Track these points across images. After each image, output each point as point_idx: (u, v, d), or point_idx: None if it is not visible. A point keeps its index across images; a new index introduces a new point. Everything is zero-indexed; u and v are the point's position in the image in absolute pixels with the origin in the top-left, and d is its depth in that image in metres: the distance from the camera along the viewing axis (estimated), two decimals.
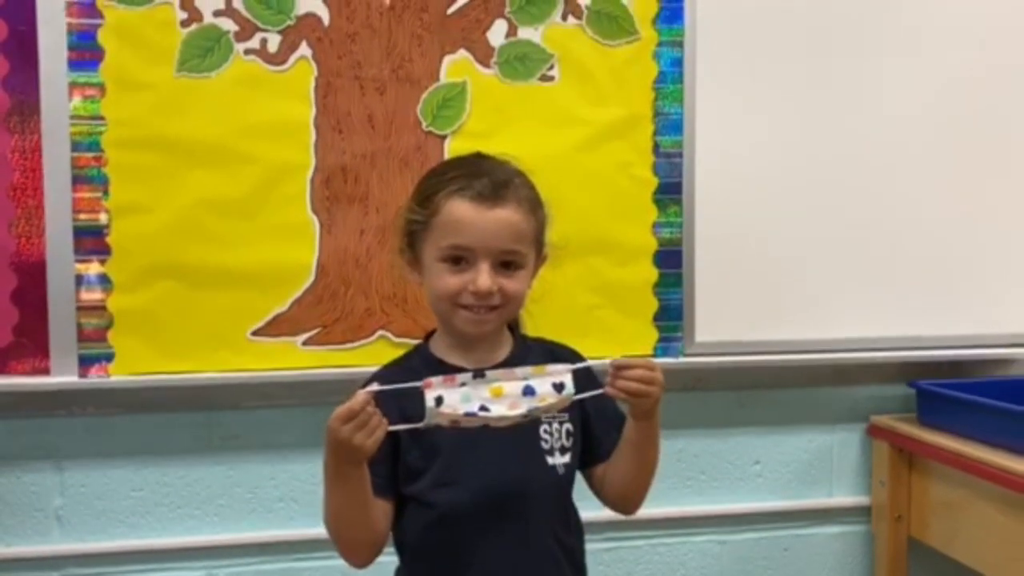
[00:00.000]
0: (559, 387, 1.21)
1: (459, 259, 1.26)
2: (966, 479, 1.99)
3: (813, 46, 2.15)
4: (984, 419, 2.01)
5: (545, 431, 1.32)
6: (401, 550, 1.35)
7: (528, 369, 1.21)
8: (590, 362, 1.29)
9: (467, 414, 1.17)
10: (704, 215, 2.10)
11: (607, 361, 1.24)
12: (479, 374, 1.19)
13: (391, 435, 1.19)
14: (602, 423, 1.38)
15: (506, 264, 1.27)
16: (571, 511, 1.38)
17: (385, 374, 1.30)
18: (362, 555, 1.28)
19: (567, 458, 1.33)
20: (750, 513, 2.27)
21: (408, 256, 1.33)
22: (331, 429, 1.15)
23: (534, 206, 1.30)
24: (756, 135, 2.13)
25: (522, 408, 1.18)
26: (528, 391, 1.19)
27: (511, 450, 1.29)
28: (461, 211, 1.25)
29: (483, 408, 1.17)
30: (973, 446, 1.99)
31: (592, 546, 2.13)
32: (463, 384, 1.17)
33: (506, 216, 1.26)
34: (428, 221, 1.27)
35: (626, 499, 1.40)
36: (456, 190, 1.26)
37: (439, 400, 1.16)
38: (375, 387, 1.16)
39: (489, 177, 1.27)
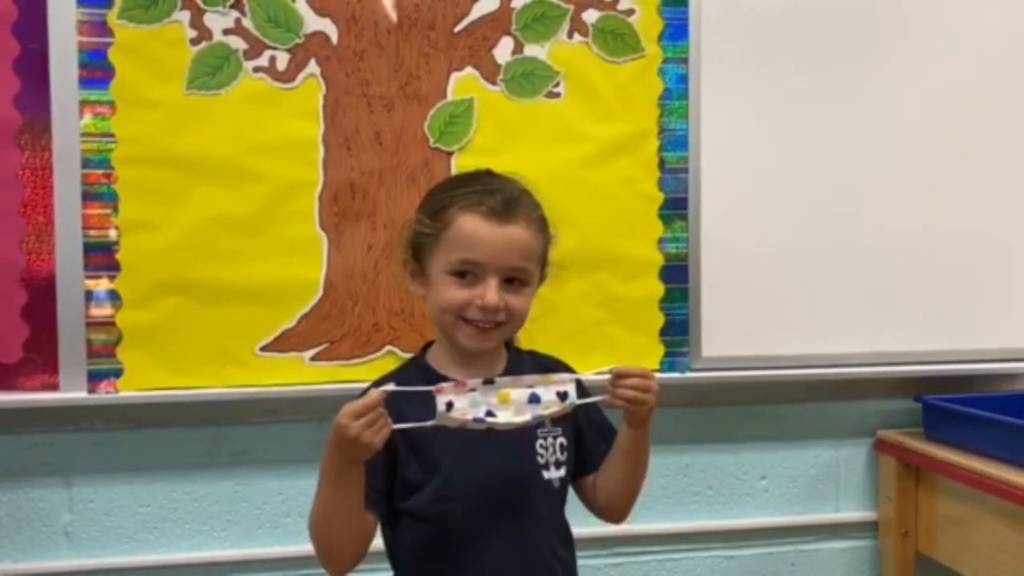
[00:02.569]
0: (563, 396, 1.24)
1: (467, 273, 1.27)
2: (973, 494, 1.98)
3: (818, 61, 2.16)
4: (991, 434, 2.01)
5: (541, 445, 1.33)
6: (396, 564, 1.35)
7: (535, 377, 1.24)
8: (580, 375, 1.30)
9: (475, 419, 1.19)
10: (710, 230, 2.11)
11: (607, 374, 1.27)
12: (488, 381, 1.21)
13: (388, 449, 1.21)
14: (593, 435, 1.41)
15: (511, 280, 1.28)
16: (565, 525, 1.39)
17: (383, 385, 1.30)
18: (342, 562, 1.27)
19: (562, 472, 1.35)
20: (757, 528, 2.27)
21: (412, 268, 1.34)
22: (340, 426, 1.15)
23: (542, 225, 1.32)
24: (761, 150, 2.14)
25: (527, 415, 1.22)
26: (534, 399, 1.22)
27: (508, 465, 1.31)
28: (473, 226, 1.26)
29: (489, 414, 1.20)
30: (980, 461, 1.99)
31: (598, 561, 2.15)
32: (472, 390, 1.20)
33: (517, 233, 1.27)
34: (438, 234, 1.28)
35: (616, 507, 1.42)
36: (468, 205, 1.27)
37: (449, 405, 1.19)
38: (391, 387, 1.18)
39: (501, 194, 1.28)
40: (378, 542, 1.34)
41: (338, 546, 1.26)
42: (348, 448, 1.16)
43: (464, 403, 1.19)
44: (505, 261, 1.26)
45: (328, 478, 1.21)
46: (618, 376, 1.26)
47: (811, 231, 2.17)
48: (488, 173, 1.35)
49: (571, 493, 1.41)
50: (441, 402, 1.19)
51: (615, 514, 1.43)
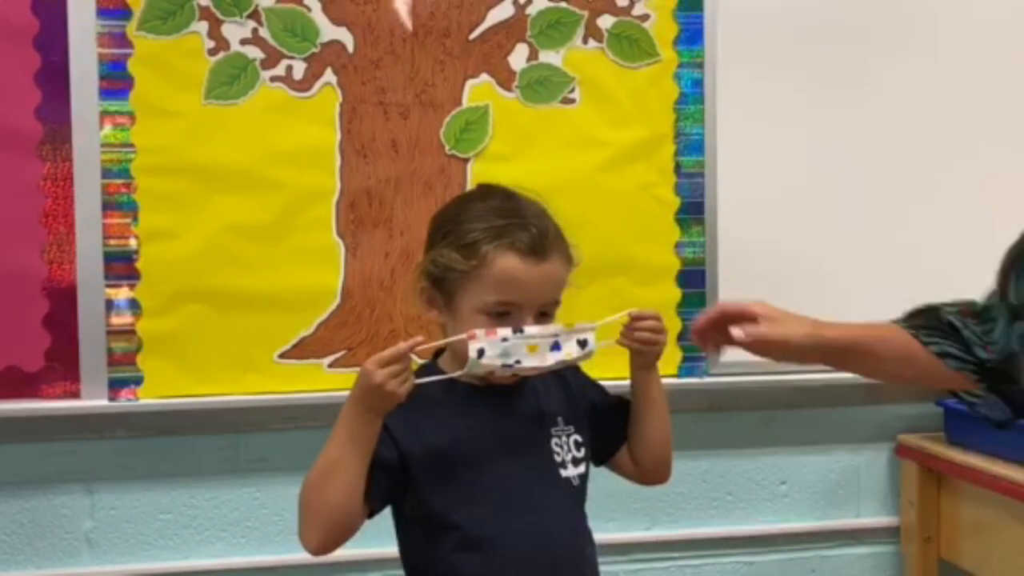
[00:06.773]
0: (583, 343, 1.28)
1: (504, 313, 1.26)
2: (996, 499, 1.97)
3: (834, 64, 2.16)
4: (1014, 438, 1.98)
5: (556, 444, 1.34)
6: (416, 572, 1.34)
7: (560, 326, 1.27)
8: (598, 322, 1.33)
9: (503, 365, 1.23)
10: (727, 234, 2.11)
11: (626, 312, 1.36)
12: (518, 330, 1.23)
13: (401, 463, 1.24)
14: (610, 410, 1.43)
15: (544, 313, 1.29)
16: (586, 522, 1.39)
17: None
18: (323, 530, 1.23)
19: (581, 468, 1.35)
20: (777, 534, 2.26)
21: (429, 295, 1.31)
22: (366, 372, 1.16)
23: (569, 253, 1.32)
24: (778, 153, 2.14)
25: (549, 361, 1.25)
26: (556, 347, 1.26)
27: (527, 467, 1.31)
28: (512, 267, 1.24)
29: (517, 361, 1.23)
30: (1003, 465, 1.97)
31: (618, 567, 2.14)
32: (504, 340, 1.22)
33: (553, 270, 1.27)
34: (470, 272, 1.25)
35: (657, 459, 1.43)
36: (506, 243, 1.25)
37: (480, 352, 1.21)
38: (420, 339, 1.20)
39: (535, 226, 1.26)
40: (384, 551, 1.33)
41: (327, 506, 1.22)
42: (370, 396, 1.17)
43: (496, 351, 1.22)
44: (542, 298, 1.27)
45: (343, 427, 1.20)
46: (635, 319, 1.36)
47: (829, 235, 2.16)
48: (508, 197, 1.32)
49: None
50: (473, 349, 1.21)
51: (658, 468, 1.44)
